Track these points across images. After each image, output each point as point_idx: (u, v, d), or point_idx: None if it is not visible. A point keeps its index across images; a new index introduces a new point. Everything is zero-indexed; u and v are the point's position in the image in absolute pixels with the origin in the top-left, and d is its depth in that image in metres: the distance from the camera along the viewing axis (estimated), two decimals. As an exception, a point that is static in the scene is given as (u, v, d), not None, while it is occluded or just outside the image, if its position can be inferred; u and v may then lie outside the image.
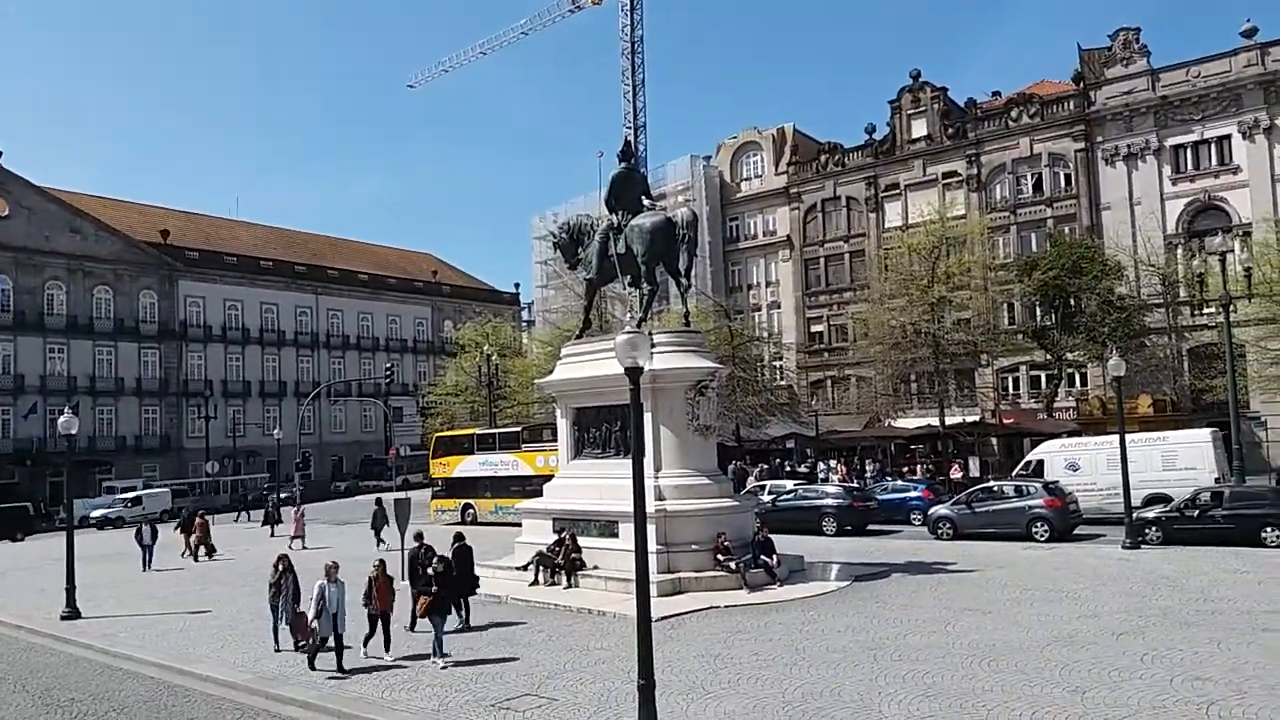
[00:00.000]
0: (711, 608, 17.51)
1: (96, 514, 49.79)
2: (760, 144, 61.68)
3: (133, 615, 20.36)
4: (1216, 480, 26.75)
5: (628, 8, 69.91)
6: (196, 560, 30.61)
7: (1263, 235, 38.03)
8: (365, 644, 14.81)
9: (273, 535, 37.78)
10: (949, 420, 43.88)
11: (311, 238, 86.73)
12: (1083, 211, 47.52)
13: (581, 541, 20.64)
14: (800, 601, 18.00)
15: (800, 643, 14.45)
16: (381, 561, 15.68)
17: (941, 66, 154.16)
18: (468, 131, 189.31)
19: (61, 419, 21.85)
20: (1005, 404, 48.17)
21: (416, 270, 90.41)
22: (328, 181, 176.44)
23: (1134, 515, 23.68)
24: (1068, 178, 48.48)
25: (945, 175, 52.03)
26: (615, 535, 20.16)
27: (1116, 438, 24.84)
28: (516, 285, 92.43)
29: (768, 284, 60.07)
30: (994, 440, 46.86)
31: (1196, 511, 23.52)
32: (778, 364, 57.22)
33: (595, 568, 20.15)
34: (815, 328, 57.39)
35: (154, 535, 29.35)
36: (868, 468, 45.06)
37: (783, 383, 56.29)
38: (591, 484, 21.21)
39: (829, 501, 30.83)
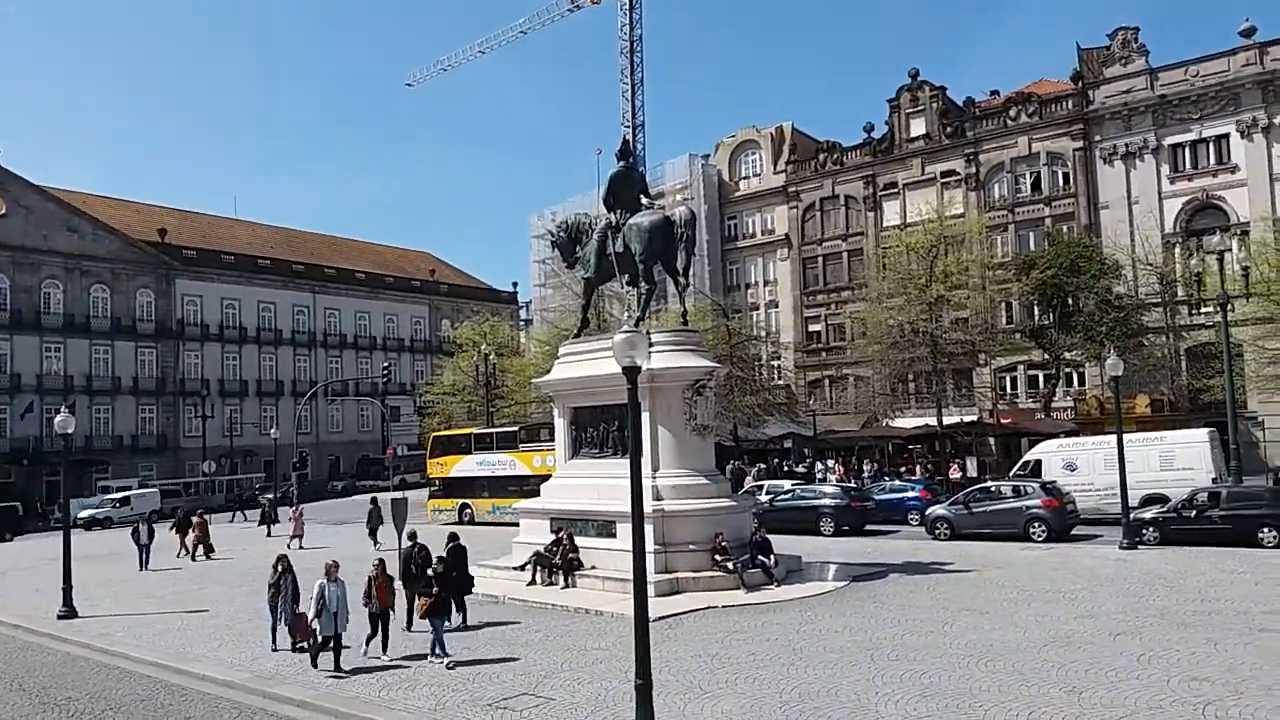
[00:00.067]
0: (709, 608, 17.49)
1: (84, 514, 49.28)
2: (759, 143, 61.69)
3: (130, 614, 20.34)
4: (1214, 480, 26.78)
5: (626, 7, 69.94)
6: (195, 560, 30.57)
7: (1260, 234, 38.07)
8: (367, 644, 14.79)
9: (269, 535, 37.72)
10: (947, 420, 43.89)
11: (309, 237, 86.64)
12: (1081, 210, 47.55)
13: (579, 541, 20.62)
14: (798, 602, 18.00)
15: (797, 643, 14.44)
16: (381, 561, 15.66)
17: (940, 66, 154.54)
18: (466, 131, 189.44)
19: (58, 418, 21.83)
20: (1003, 404, 48.20)
21: (414, 269, 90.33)
22: (327, 181, 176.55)
23: (1131, 515, 23.69)
24: (1066, 177, 48.51)
25: (944, 174, 52.05)
26: (613, 535, 20.14)
27: (1114, 438, 24.84)
28: (514, 284, 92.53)
29: (766, 283, 60.08)
30: (991, 440, 46.88)
31: (1194, 512, 23.53)
32: (776, 363, 57.23)
33: (593, 567, 20.14)
34: (813, 327, 57.40)
35: (151, 535, 29.31)
36: (865, 468, 45.05)
37: (780, 382, 56.30)
38: (589, 484, 21.19)
39: (826, 501, 30.82)
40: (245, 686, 13.72)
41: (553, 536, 21.01)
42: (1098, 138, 47.09)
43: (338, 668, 13.97)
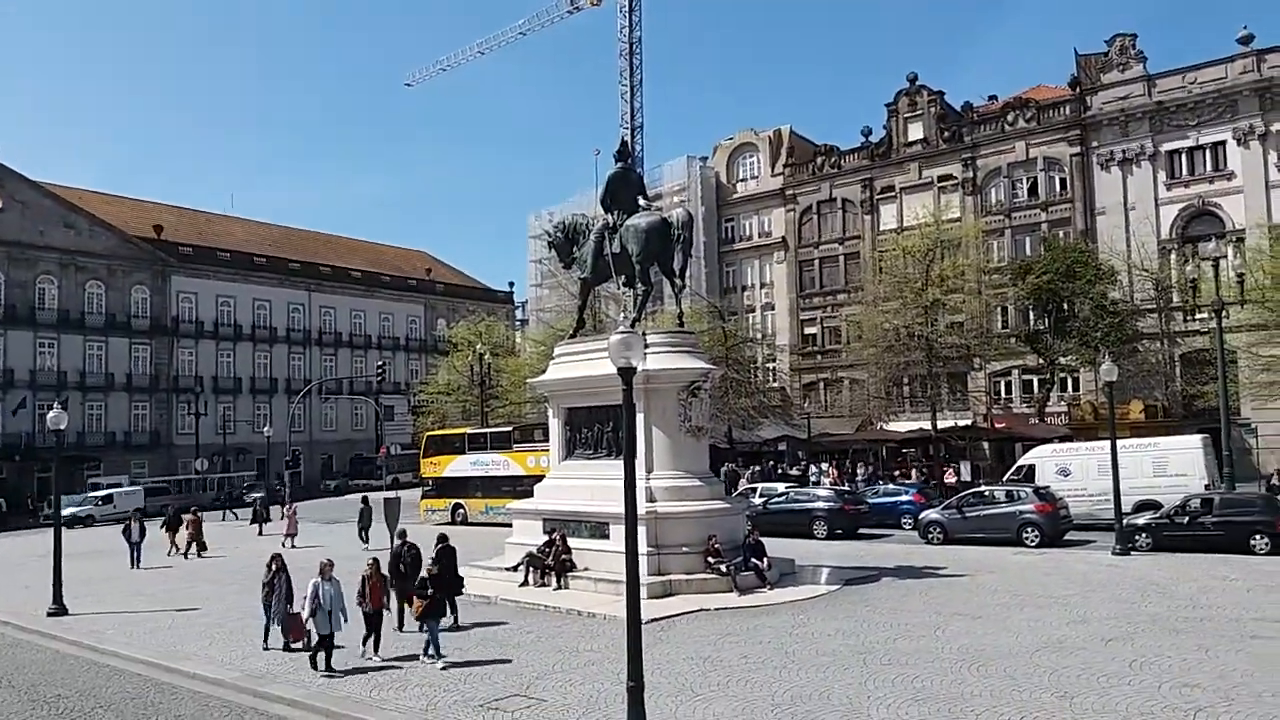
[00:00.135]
0: (701, 610, 17.48)
1: (66, 513, 47.87)
2: (757, 145, 61.75)
3: (120, 612, 20.26)
4: (1207, 487, 26.81)
5: (626, 9, 70.03)
6: (187, 557, 30.49)
7: (1256, 241, 38.18)
8: (364, 643, 14.72)
9: (260, 534, 37.61)
10: (941, 424, 43.93)
11: (305, 234, 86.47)
12: (1077, 216, 47.64)
13: (572, 543, 20.59)
14: (790, 605, 17.99)
15: (790, 646, 14.43)
16: (375, 560, 15.65)
17: (938, 70, 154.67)
18: (465, 131, 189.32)
19: (50, 414, 21.70)
20: (997, 408, 48.26)
21: (410, 268, 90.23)
22: (325, 181, 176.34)
23: (1124, 521, 23.71)
24: (1063, 182, 48.62)
25: (941, 178, 52.14)
26: (606, 536, 20.13)
27: (1108, 443, 24.87)
28: (510, 284, 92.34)
29: (762, 285, 60.13)
30: (985, 444, 46.93)
31: (1186, 518, 23.57)
32: (771, 366, 57.23)
33: (586, 569, 20.10)
34: (809, 330, 57.45)
35: (142, 532, 29.20)
36: (859, 471, 45.06)
37: (776, 385, 56.29)
38: (583, 485, 21.15)
39: (820, 505, 30.79)
40: (236, 685, 13.67)
41: (546, 537, 20.98)
42: (1095, 143, 47.19)
43: (329, 667, 13.92)
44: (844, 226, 56.51)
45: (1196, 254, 42.54)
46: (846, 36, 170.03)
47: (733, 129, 63.83)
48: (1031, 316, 45.52)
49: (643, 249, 21.48)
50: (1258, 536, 22.45)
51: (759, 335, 57.55)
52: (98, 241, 64.40)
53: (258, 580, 16.83)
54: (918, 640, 14.47)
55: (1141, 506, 26.45)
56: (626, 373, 10.47)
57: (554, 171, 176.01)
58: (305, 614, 14.31)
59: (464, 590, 17.75)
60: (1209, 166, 44.29)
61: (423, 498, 41.69)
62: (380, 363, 65.61)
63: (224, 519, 46.28)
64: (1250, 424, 40.49)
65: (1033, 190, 49.52)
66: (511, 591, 19.96)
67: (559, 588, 19.91)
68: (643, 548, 17.02)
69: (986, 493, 28.75)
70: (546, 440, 25.87)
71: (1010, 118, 50.42)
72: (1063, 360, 43.87)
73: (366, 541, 30.16)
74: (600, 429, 21.52)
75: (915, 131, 53.71)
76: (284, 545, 29.07)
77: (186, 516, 32.30)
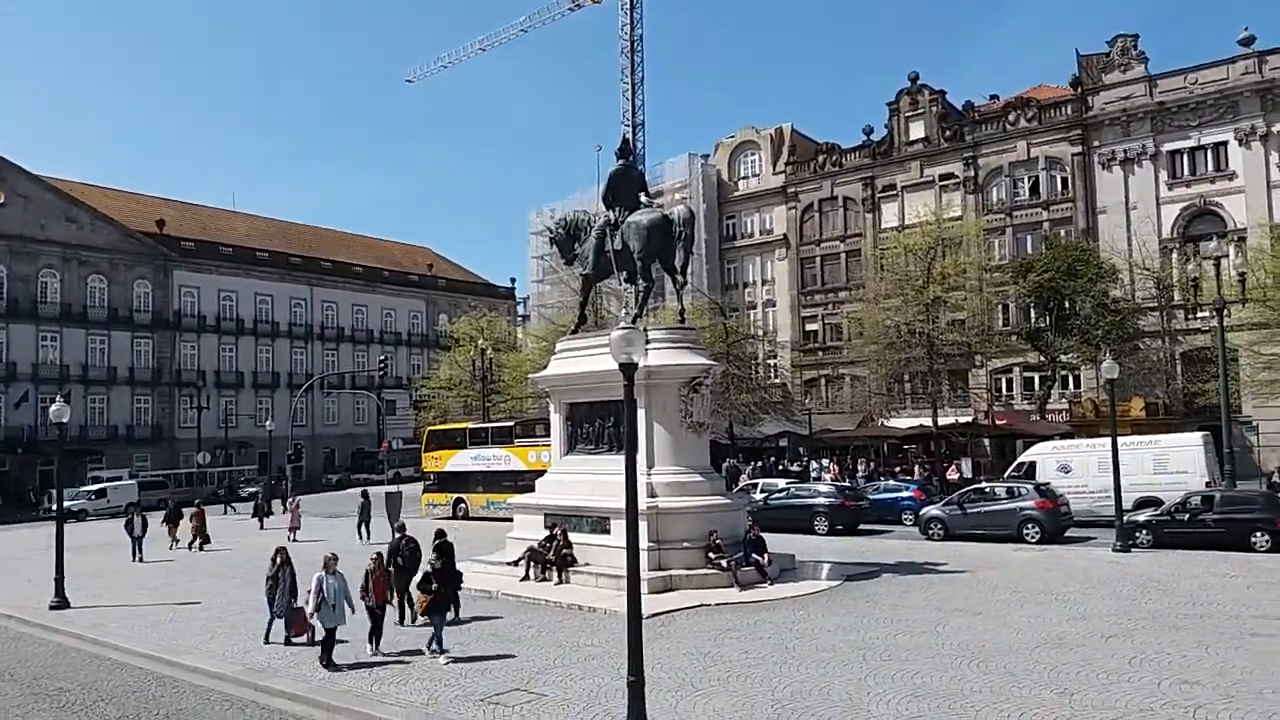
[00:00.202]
0: (702, 605, 17.50)
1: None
2: (758, 143, 61.70)
3: (122, 606, 20.30)
4: (1207, 484, 26.84)
5: (627, 6, 69.92)
6: (192, 550, 30.54)
7: (1257, 240, 38.17)
8: (370, 638, 14.71)
9: (262, 527, 37.65)
10: (942, 421, 43.93)
11: (307, 230, 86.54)
12: (1079, 215, 47.60)
13: (573, 537, 20.62)
14: (791, 600, 18.02)
15: (790, 641, 14.46)
16: (379, 554, 15.65)
17: (940, 69, 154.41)
18: (467, 129, 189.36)
19: (53, 407, 21.74)
20: (998, 405, 48.26)
21: (412, 264, 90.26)
22: (327, 181, 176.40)
23: (1125, 518, 23.75)
24: (1064, 181, 48.57)
25: (942, 177, 52.09)
26: (607, 531, 20.16)
27: (1108, 440, 24.89)
28: (512, 280, 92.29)
29: (763, 282, 60.11)
30: (986, 441, 46.95)
31: (1187, 515, 23.62)
32: (772, 362, 57.24)
33: (586, 564, 20.13)
34: (810, 326, 57.44)
35: (144, 526, 29.24)
36: (860, 467, 45.10)
37: (777, 381, 56.33)
38: (584, 480, 21.18)
39: (821, 501, 30.83)
40: (237, 679, 13.69)
41: (547, 532, 21.01)
42: (1096, 143, 47.14)
43: (330, 662, 13.93)
44: (845, 224, 56.47)
45: (1198, 253, 42.46)
46: (848, 35, 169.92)
47: (734, 127, 63.93)
48: (1033, 314, 45.50)
49: (644, 245, 21.50)
50: (1258, 534, 22.51)
51: (760, 332, 57.56)
52: (99, 235, 64.44)
53: (259, 574, 16.86)
54: (918, 636, 14.49)
55: (1142, 503, 26.49)
56: (628, 368, 10.49)
57: (555, 169, 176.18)
58: (310, 608, 14.33)
59: (463, 585, 17.76)
60: (1210, 166, 44.25)
61: (424, 492, 41.77)
62: (382, 358, 65.70)
63: (225, 513, 46.32)
64: (1251, 422, 40.49)
65: (1034, 189, 49.47)
66: (512, 586, 19.99)
67: (560, 583, 19.94)
68: (644, 543, 17.00)
69: (987, 489, 28.81)
70: (547, 435, 25.93)
71: (1012, 117, 50.36)
72: (1064, 358, 43.86)
73: (365, 537, 30.14)
74: (602, 424, 21.54)
75: (917, 130, 53.65)
76: (288, 539, 29.12)
77: (190, 509, 32.35)
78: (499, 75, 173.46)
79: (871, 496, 32.63)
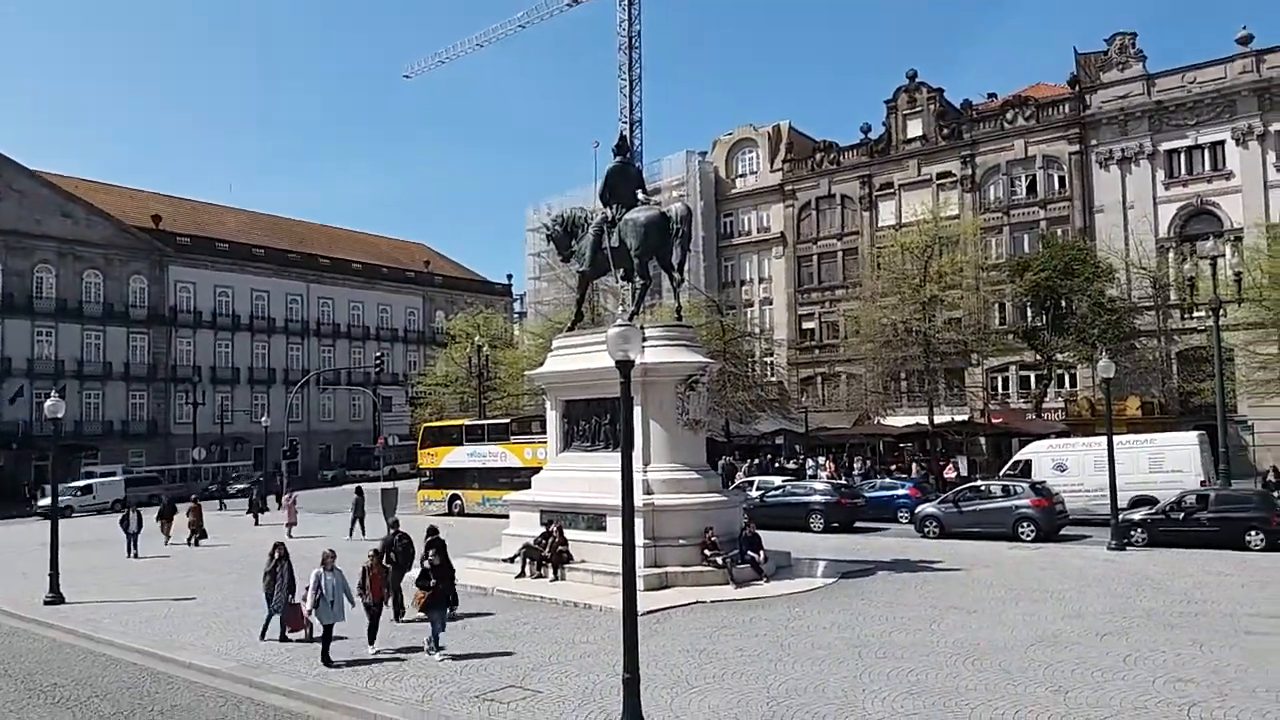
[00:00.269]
0: (698, 602, 17.51)
1: (45, 503, 45.65)
2: (756, 141, 61.67)
3: (116, 601, 20.25)
4: (1202, 483, 26.90)
5: (625, 3, 69.72)
6: (190, 545, 30.46)
7: (1254, 240, 38.22)
8: (369, 636, 14.67)
9: (257, 524, 37.60)
10: (938, 419, 44.00)
11: (304, 225, 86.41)
12: (1075, 214, 47.64)
13: (569, 534, 20.62)
14: (786, 598, 18.03)
15: (785, 639, 14.47)
16: (376, 551, 15.61)
17: (938, 67, 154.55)
18: (465, 128, 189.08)
19: (48, 403, 21.69)
20: (994, 404, 48.29)
21: (409, 260, 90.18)
22: (324, 180, 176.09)
23: (1120, 517, 23.79)
24: (1061, 180, 48.60)
25: (939, 175, 52.09)
26: (603, 529, 20.14)
27: (1104, 439, 24.93)
28: (509, 277, 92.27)
29: (760, 280, 60.14)
30: (982, 440, 46.99)
31: (1182, 514, 23.67)
32: (769, 360, 57.24)
33: (582, 561, 20.12)
34: (807, 324, 57.47)
35: (139, 522, 29.17)
36: (856, 465, 45.12)
37: (773, 379, 56.33)
38: (580, 477, 21.15)
39: (817, 498, 30.85)
40: (231, 675, 13.66)
41: (543, 529, 21.00)
42: (1094, 142, 47.17)
43: (325, 658, 13.89)
44: (842, 222, 56.48)
45: (1194, 252, 42.55)
46: (847, 33, 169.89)
47: (732, 124, 63.79)
48: (1029, 313, 45.54)
49: (641, 243, 21.48)
50: (1253, 532, 22.57)
51: (757, 330, 57.56)
52: (95, 231, 64.28)
53: (255, 570, 16.83)
54: (913, 634, 14.51)
55: (1137, 502, 26.51)
56: (625, 366, 10.48)
57: (553, 166, 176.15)
58: (307, 605, 14.30)
59: (457, 580, 17.72)
60: (1207, 166, 44.29)
61: (420, 488, 41.74)
62: (378, 354, 65.55)
63: (221, 507, 46.25)
64: (1246, 421, 40.55)
65: (1031, 188, 49.50)
66: (508, 583, 19.98)
67: (556, 579, 19.92)
68: (639, 540, 17.07)
69: (983, 487, 28.83)
70: (543, 432, 25.88)
71: (1009, 116, 50.37)
72: (1060, 357, 43.90)
73: (361, 534, 30.06)
74: (598, 421, 21.52)
75: (914, 128, 53.64)
76: (289, 535, 29.10)
77: (186, 504, 32.29)
78: (496, 71, 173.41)
79: (867, 494, 32.64)
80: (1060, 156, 48.43)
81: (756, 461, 47.08)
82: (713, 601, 17.61)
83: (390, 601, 16.41)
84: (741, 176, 62.14)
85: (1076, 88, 48.55)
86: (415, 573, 15.64)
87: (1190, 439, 29.10)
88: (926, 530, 27.34)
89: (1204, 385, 36.56)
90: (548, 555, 20.31)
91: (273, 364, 73.99)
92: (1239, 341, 36.03)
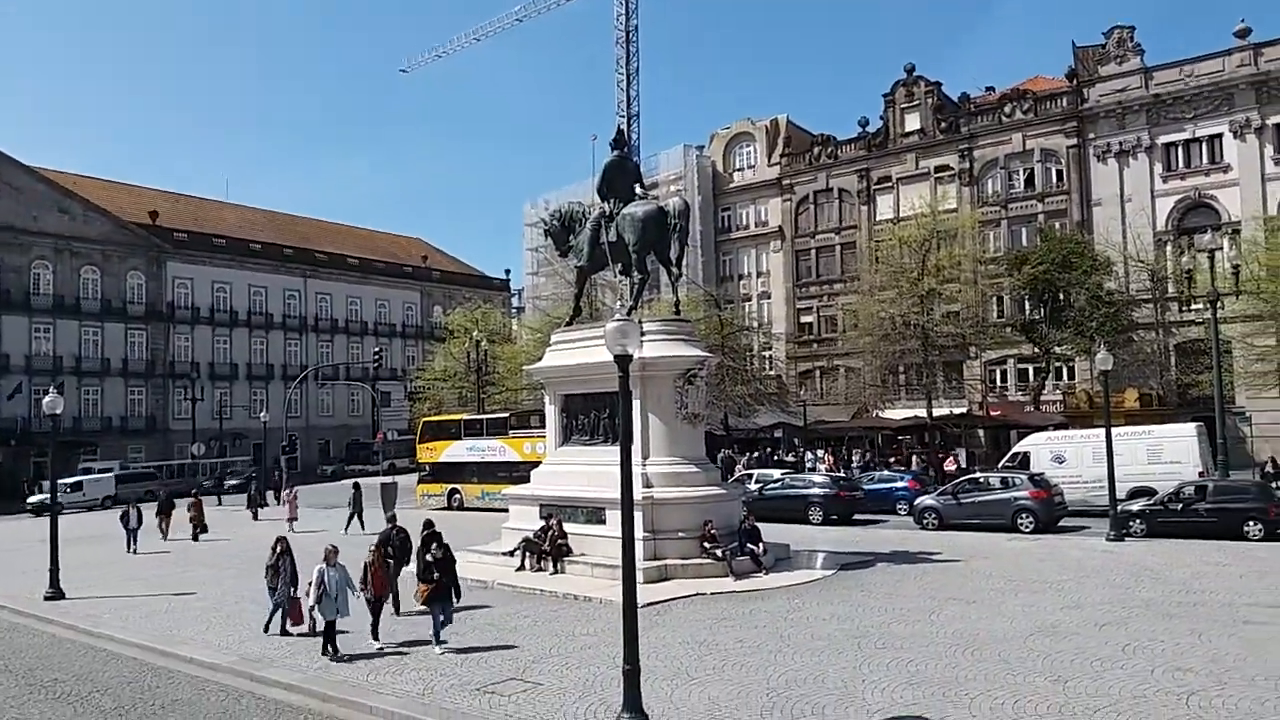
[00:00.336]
0: (697, 595, 17.54)
1: (35, 500, 46.33)
2: (753, 135, 61.64)
3: (116, 596, 20.26)
4: (1200, 474, 26.95)
5: (622, -4, 69.50)
6: (193, 540, 30.44)
7: (1251, 233, 38.26)
8: (372, 631, 14.68)
9: (256, 519, 37.61)
10: (936, 412, 44.04)
11: (301, 221, 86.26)
12: (1074, 207, 47.67)
13: (568, 528, 20.65)
14: (785, 589, 18.06)
15: (785, 630, 14.50)
16: (378, 546, 15.61)
17: (936, 61, 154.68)
18: (462, 120, 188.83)
19: (46, 399, 21.69)
20: (992, 396, 48.37)
21: (406, 255, 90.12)
22: (323, 175, 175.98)
23: (1118, 508, 23.83)
24: (1059, 173, 48.62)
25: (937, 169, 52.11)
26: (602, 522, 20.17)
27: (1102, 431, 24.97)
28: (507, 271, 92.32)
29: (758, 274, 60.15)
30: (981, 432, 47.06)
31: (1180, 505, 23.70)
32: (767, 354, 57.28)
33: (582, 554, 20.16)
34: (805, 318, 57.51)
35: (139, 518, 29.20)
36: (855, 458, 45.17)
37: (772, 372, 56.37)
38: (579, 471, 21.18)
39: (816, 491, 30.86)
40: (232, 669, 13.68)
41: (542, 523, 21.03)
42: (1092, 135, 47.18)
43: (324, 651, 13.92)
44: (840, 216, 56.49)
45: (1192, 245, 42.54)
46: (844, 27, 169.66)
47: (729, 118, 63.91)
48: (1027, 306, 45.57)
49: (639, 237, 21.46)
50: (1251, 523, 22.60)
51: (755, 324, 57.59)
52: (92, 227, 64.18)
53: (255, 565, 16.85)
54: (912, 625, 14.54)
55: (1136, 493, 26.58)
56: (623, 360, 10.48)
57: (550, 161, 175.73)
58: (310, 601, 14.31)
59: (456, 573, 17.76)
60: (1205, 159, 44.31)
61: (419, 483, 41.77)
62: (377, 349, 65.59)
63: (221, 503, 46.23)
64: (1244, 412, 40.64)
65: (1029, 181, 49.52)
66: (508, 576, 20.01)
67: (555, 573, 19.97)
68: (639, 533, 17.10)
69: (981, 479, 28.84)
70: (542, 427, 25.92)
71: (1007, 109, 50.38)
72: (1058, 349, 43.93)
73: (360, 528, 30.03)
74: (597, 416, 21.55)
75: (912, 122, 53.61)
76: (291, 529, 29.10)
77: (185, 500, 32.28)
78: (494, 65, 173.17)
79: (866, 487, 32.69)
80: (1058, 150, 48.44)
81: (755, 455, 47.11)
82: (712, 593, 17.64)
83: (390, 596, 16.43)
84: (739, 171, 62.09)
85: (1074, 81, 48.56)
86: (413, 566, 15.66)
87: (1188, 430, 29.17)
88: (925, 522, 27.37)
89: (1202, 377, 36.59)
90: (547, 549, 20.35)
91: (271, 359, 73.97)
92: (1237, 334, 36.08)
